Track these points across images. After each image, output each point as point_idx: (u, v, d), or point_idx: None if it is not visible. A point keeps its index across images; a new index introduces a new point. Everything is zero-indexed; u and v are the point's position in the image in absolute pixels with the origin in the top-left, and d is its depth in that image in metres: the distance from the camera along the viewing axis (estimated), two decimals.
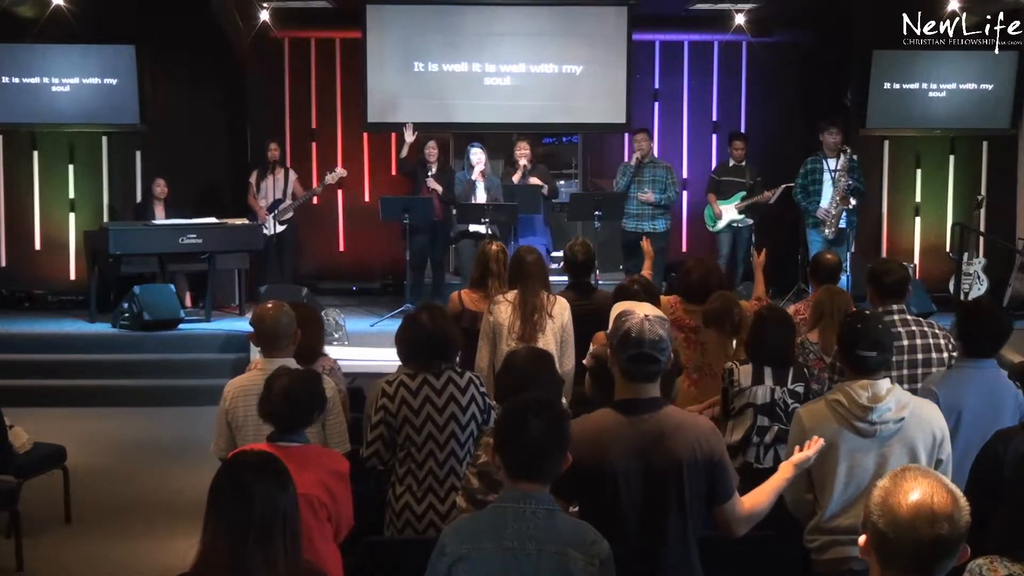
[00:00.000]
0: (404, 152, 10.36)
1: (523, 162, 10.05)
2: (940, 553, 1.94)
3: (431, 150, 10.26)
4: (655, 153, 11.57)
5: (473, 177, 9.65)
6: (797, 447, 3.32)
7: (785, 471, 3.23)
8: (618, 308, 3.11)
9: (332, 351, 8.78)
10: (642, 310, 3.05)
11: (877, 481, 1.99)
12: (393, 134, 11.58)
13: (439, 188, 10.09)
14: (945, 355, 4.83)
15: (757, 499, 3.15)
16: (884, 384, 3.47)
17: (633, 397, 3.00)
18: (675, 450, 2.94)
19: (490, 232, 9.37)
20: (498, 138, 10.73)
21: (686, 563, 3.00)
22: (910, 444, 3.44)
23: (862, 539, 2.00)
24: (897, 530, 1.93)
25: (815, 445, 3.29)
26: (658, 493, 2.95)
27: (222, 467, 2.51)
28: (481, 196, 9.63)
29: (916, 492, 1.95)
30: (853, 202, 9.84)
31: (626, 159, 11.54)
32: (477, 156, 9.70)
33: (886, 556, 1.96)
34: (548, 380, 3.64)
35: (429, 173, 10.18)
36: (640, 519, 2.94)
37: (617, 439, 2.95)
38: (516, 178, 9.97)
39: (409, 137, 10.28)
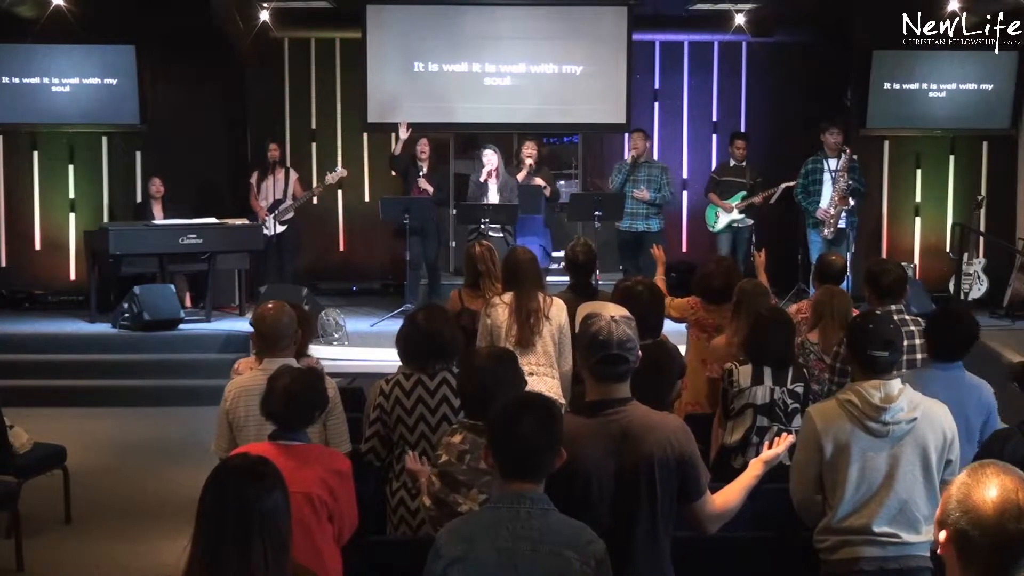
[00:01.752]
0: (398, 149, 10.36)
1: (529, 161, 10.04)
2: None
3: (422, 147, 10.26)
4: (655, 153, 11.60)
5: (482, 179, 9.66)
6: (777, 438, 3.34)
7: (755, 468, 3.25)
8: (584, 310, 3.11)
9: (332, 351, 8.86)
10: (608, 311, 3.05)
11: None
12: (393, 134, 11.59)
13: (429, 189, 10.09)
14: None
15: (728, 497, 3.16)
16: (896, 384, 3.47)
17: (603, 398, 3.01)
18: (645, 448, 2.95)
19: (502, 231, 9.39)
20: (499, 138, 10.74)
21: (657, 560, 3.01)
22: (922, 444, 3.44)
23: (942, 535, 1.95)
24: (982, 527, 1.89)
25: (784, 442, 3.31)
26: (628, 491, 2.95)
27: (212, 470, 2.51)
28: (493, 197, 9.63)
29: (998, 488, 1.90)
30: (852, 202, 9.85)
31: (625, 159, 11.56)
32: (488, 158, 9.70)
33: (969, 554, 1.91)
34: (511, 378, 3.58)
35: (420, 173, 10.18)
36: (611, 517, 2.94)
37: (587, 438, 2.95)
38: (521, 177, 9.97)
39: (403, 134, 10.27)
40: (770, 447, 3.38)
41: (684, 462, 2.99)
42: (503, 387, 3.42)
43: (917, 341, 4.84)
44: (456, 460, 3.41)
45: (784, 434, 3.40)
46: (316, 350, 6.32)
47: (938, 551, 1.98)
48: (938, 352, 4.14)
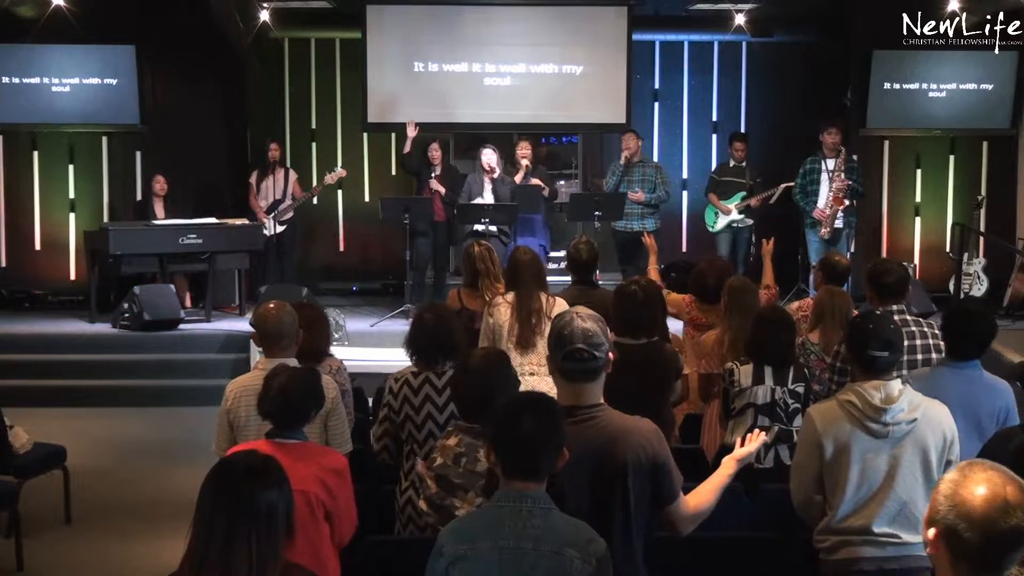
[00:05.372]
0: (407, 147, 10.34)
1: (525, 162, 10.05)
2: (1016, 544, 1.92)
3: (434, 152, 10.27)
4: (655, 154, 11.60)
5: (485, 177, 9.67)
6: (750, 435, 3.31)
7: (728, 467, 3.21)
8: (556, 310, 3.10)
9: (332, 351, 8.84)
10: (576, 310, 3.04)
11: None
12: (393, 134, 11.59)
13: (442, 189, 10.10)
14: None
15: (701, 498, 3.13)
16: (896, 385, 3.45)
17: (575, 403, 2.98)
18: (620, 454, 2.92)
19: (498, 232, 9.39)
20: (498, 138, 10.74)
21: (631, 565, 2.98)
22: (922, 445, 3.43)
23: (931, 532, 1.97)
24: (972, 524, 1.91)
25: (757, 439, 3.28)
26: (603, 496, 2.93)
27: (215, 464, 2.50)
28: (488, 197, 9.64)
29: (987, 485, 1.94)
30: (847, 202, 9.83)
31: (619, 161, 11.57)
32: (487, 157, 9.71)
33: (958, 550, 1.94)
34: (504, 381, 3.56)
35: (433, 174, 10.19)
36: (586, 522, 2.91)
37: None
38: (518, 178, 9.98)
39: (412, 132, 10.25)
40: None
41: (658, 467, 2.96)
42: (497, 389, 3.41)
43: (918, 341, 4.84)
44: (452, 463, 3.39)
45: (757, 431, 3.36)
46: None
47: (927, 550, 2.00)
48: (953, 350, 4.11)
